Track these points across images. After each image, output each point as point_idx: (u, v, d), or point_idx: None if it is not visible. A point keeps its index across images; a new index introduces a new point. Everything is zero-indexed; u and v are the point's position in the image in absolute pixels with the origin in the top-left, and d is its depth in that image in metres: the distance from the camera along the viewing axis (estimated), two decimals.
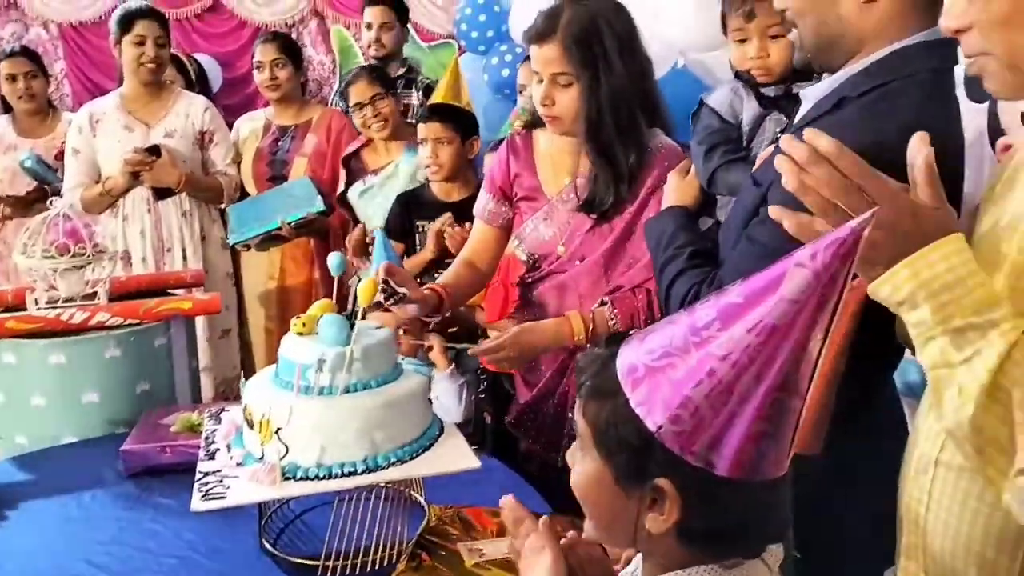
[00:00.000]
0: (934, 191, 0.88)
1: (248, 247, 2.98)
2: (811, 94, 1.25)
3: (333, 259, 1.39)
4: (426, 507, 1.48)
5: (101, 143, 2.97)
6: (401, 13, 3.44)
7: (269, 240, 2.94)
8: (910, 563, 1.01)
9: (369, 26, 3.37)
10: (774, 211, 0.92)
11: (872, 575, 1.26)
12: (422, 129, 2.56)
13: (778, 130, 1.54)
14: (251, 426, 1.30)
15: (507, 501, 0.95)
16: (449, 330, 2.43)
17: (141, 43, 2.92)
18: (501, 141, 2.26)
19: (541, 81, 1.70)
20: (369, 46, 3.40)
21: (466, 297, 2.06)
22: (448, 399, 1.92)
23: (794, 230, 0.89)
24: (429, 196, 2.67)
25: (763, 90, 1.57)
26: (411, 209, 2.68)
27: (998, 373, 0.80)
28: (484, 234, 1.99)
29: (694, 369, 0.70)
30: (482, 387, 2.43)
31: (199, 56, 4.80)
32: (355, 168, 2.99)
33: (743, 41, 1.56)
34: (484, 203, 1.98)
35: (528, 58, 2.94)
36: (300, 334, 1.34)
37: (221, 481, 1.25)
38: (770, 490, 0.74)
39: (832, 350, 1.03)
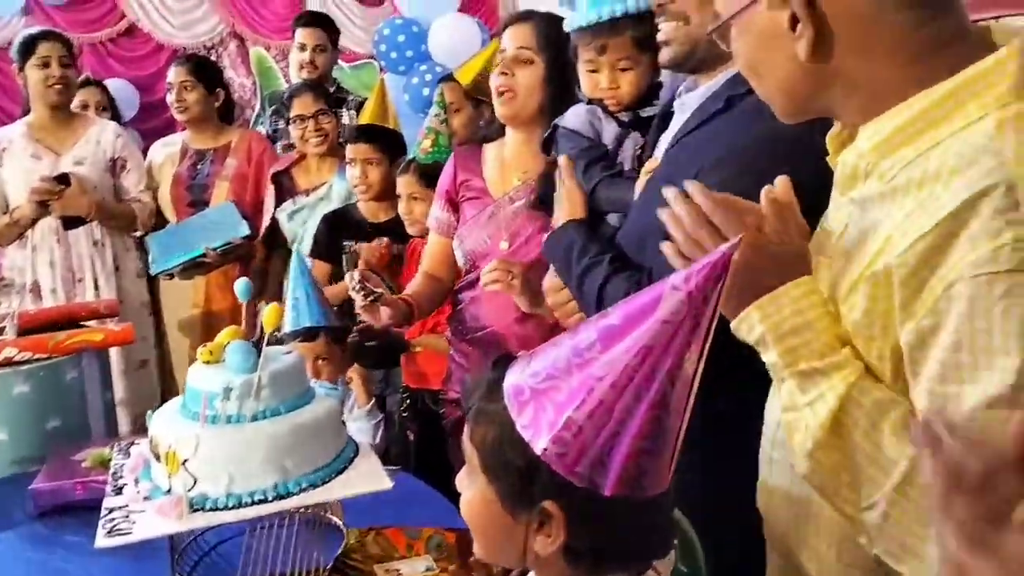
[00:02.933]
0: (781, 225, 0.92)
1: (171, 276, 2.93)
2: (690, 102, 1.30)
3: (240, 285, 1.39)
4: (344, 530, 1.48)
5: (8, 173, 2.89)
6: (333, 35, 3.43)
7: (193, 268, 2.89)
8: (773, 553, 1.05)
9: (303, 47, 3.31)
10: (666, 248, 0.95)
11: None
12: (350, 150, 2.58)
13: (637, 148, 1.59)
14: (158, 458, 1.28)
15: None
16: (368, 344, 2.43)
17: (46, 64, 2.86)
18: (412, 161, 2.28)
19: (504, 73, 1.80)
20: (302, 67, 3.33)
21: (432, 308, 2.10)
22: (362, 438, 1.90)
23: (670, 254, 0.94)
24: (356, 216, 2.67)
25: (617, 115, 1.63)
26: (338, 229, 2.68)
27: (839, 413, 0.83)
28: (440, 245, 2.04)
29: (576, 391, 0.72)
30: (404, 406, 2.43)
31: (114, 81, 4.71)
32: (285, 187, 2.97)
33: (595, 72, 1.61)
34: (437, 215, 2.03)
35: (444, 79, 2.99)
36: (207, 362, 1.32)
37: (127, 516, 1.22)
38: (653, 506, 0.76)
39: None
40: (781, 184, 0.94)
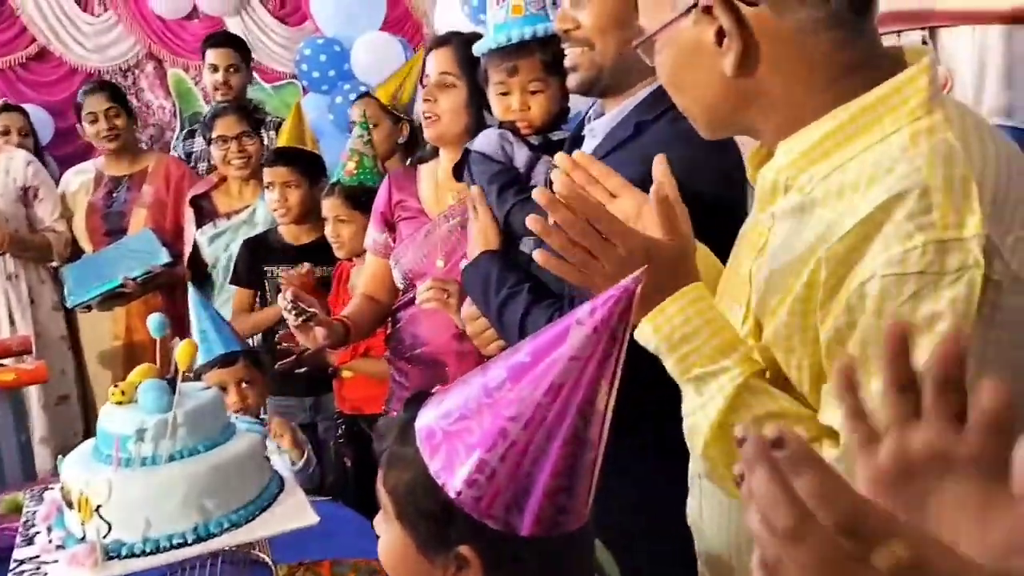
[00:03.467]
0: (668, 223, 0.93)
1: (89, 308, 2.83)
2: (600, 128, 1.31)
3: (153, 321, 1.35)
4: (272, 567, 1.44)
5: None
6: (244, 54, 3.38)
7: (112, 299, 2.79)
8: (705, 568, 1.06)
9: (214, 68, 3.27)
10: (538, 256, 0.95)
11: None
12: (268, 173, 2.53)
13: (547, 171, 1.60)
14: (70, 505, 1.23)
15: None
16: (298, 371, 2.38)
17: None
18: (336, 184, 2.26)
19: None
20: (215, 89, 3.30)
21: (370, 330, 2.08)
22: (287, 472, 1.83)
23: (541, 262, 0.94)
24: (278, 240, 2.63)
25: (529, 139, 1.64)
26: (259, 254, 2.62)
27: (727, 411, 0.86)
28: (378, 267, 2.03)
29: (488, 431, 0.71)
30: (340, 431, 2.39)
31: (27, 107, 4.55)
32: (205, 210, 2.89)
33: (506, 94, 1.62)
34: (373, 237, 2.02)
35: (360, 96, 2.97)
36: (119, 403, 1.28)
37: (38, 568, 1.17)
38: (571, 542, 0.75)
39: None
40: (665, 180, 0.95)
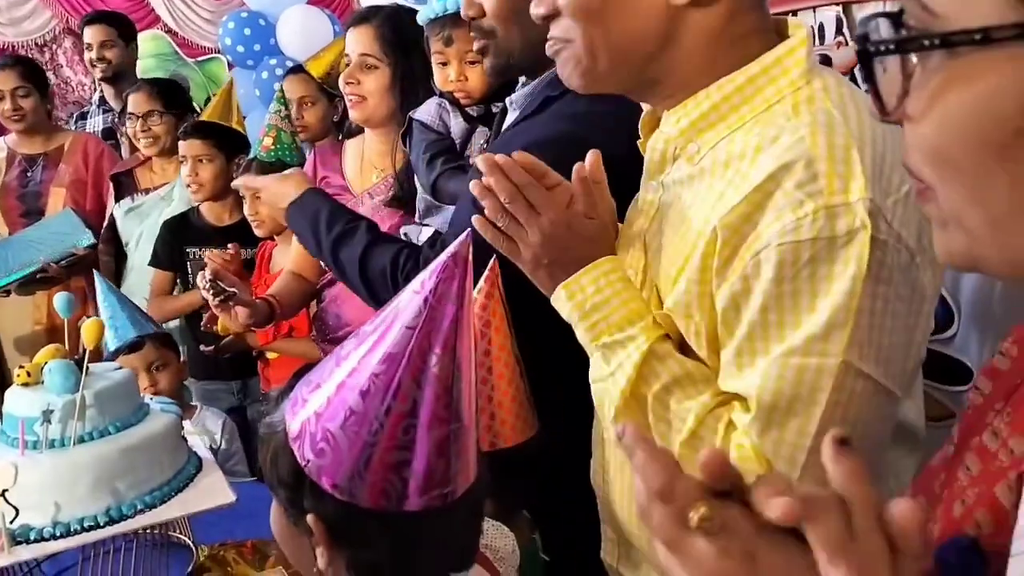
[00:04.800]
0: (589, 201, 0.96)
1: (8, 293, 2.72)
2: (517, 100, 1.34)
3: (59, 300, 1.31)
4: (194, 548, 1.43)
5: None
6: (123, 28, 3.33)
7: (34, 283, 2.69)
8: (607, 527, 1.09)
9: (89, 46, 3.27)
10: (475, 220, 0.96)
11: None
12: (182, 146, 2.48)
13: (483, 142, 1.61)
14: None
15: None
16: (224, 357, 2.35)
17: None
18: (253, 160, 2.22)
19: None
20: (93, 65, 3.30)
21: (297, 307, 2.06)
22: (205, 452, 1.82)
23: (478, 226, 0.96)
24: (199, 220, 2.57)
25: (467, 109, 1.65)
26: (180, 235, 2.56)
27: (636, 380, 0.89)
28: None
29: (334, 401, 0.71)
30: None
31: None
32: (125, 185, 2.82)
33: (444, 64, 1.63)
34: None
35: (291, 71, 2.92)
36: (25, 384, 1.24)
37: None
38: (442, 520, 0.74)
39: (500, 347, 1.10)
40: (592, 161, 0.96)
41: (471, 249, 0.71)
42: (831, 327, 0.79)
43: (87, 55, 3.30)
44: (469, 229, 0.76)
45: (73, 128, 3.44)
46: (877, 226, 0.77)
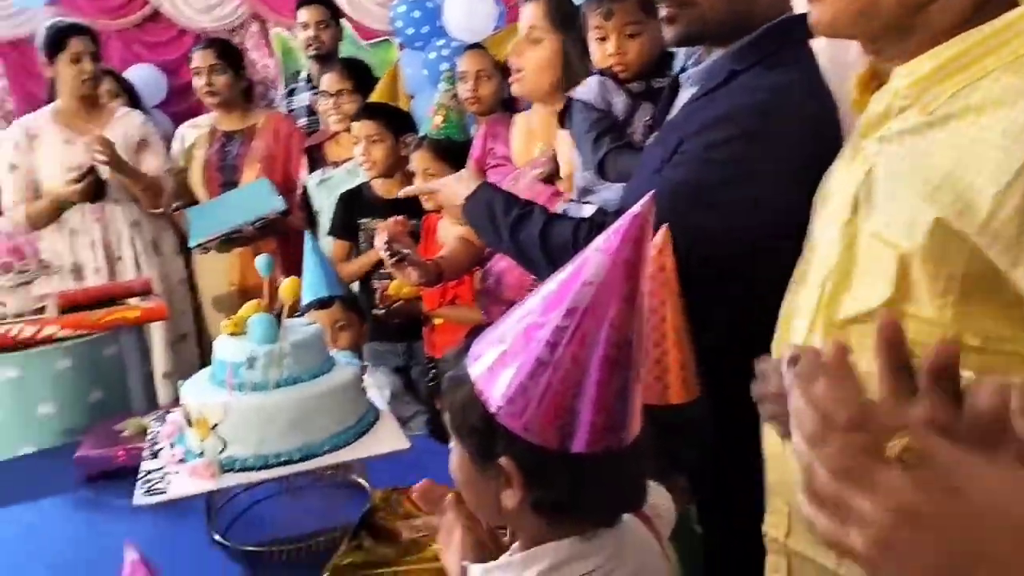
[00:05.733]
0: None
1: (207, 250, 2.97)
2: (694, 76, 1.33)
3: (260, 261, 1.46)
4: (369, 490, 1.56)
5: (41, 159, 2.98)
6: (334, 10, 3.52)
7: (230, 242, 2.94)
8: (775, 499, 1.07)
9: (305, 26, 3.44)
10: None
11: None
12: (355, 127, 2.64)
13: (647, 119, 1.62)
14: (190, 424, 1.36)
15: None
16: (394, 322, 2.51)
17: (78, 60, 2.93)
18: (424, 138, 2.34)
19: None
20: (308, 45, 3.47)
21: (463, 270, 2.15)
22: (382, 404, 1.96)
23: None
24: (370, 194, 2.74)
25: (628, 86, 1.65)
26: (353, 208, 2.75)
27: None
28: None
29: (522, 354, 0.76)
30: (430, 376, 2.51)
31: (141, 67, 4.81)
32: (316, 158, 3.07)
33: (603, 39, 1.62)
34: None
35: (468, 47, 3.03)
36: (232, 334, 1.41)
37: (163, 477, 1.31)
38: (614, 462, 0.79)
39: (672, 310, 1.12)
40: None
41: (653, 212, 0.75)
42: None
43: (303, 35, 3.48)
44: (651, 192, 0.77)
45: (283, 104, 3.70)
46: None
